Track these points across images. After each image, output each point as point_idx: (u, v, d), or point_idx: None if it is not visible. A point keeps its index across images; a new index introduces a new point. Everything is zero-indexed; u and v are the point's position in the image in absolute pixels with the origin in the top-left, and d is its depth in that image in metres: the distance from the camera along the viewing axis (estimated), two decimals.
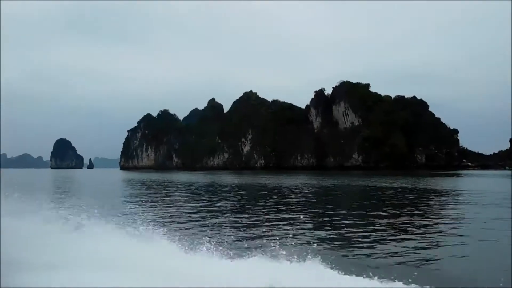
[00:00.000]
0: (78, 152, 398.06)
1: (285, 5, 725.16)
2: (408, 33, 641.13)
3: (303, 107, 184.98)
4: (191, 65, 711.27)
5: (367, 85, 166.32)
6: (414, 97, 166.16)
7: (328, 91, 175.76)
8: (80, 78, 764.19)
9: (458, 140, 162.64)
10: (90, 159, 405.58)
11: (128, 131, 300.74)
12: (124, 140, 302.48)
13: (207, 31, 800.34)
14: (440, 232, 13.81)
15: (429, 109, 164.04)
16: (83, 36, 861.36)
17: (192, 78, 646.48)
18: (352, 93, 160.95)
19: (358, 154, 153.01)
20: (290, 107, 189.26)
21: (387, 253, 10.46)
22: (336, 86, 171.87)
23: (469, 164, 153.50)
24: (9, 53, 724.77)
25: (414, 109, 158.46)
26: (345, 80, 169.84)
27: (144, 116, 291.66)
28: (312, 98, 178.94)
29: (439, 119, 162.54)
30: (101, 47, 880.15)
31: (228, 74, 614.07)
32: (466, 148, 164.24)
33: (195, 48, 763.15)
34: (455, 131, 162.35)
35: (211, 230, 13.60)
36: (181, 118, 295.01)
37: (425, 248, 11.12)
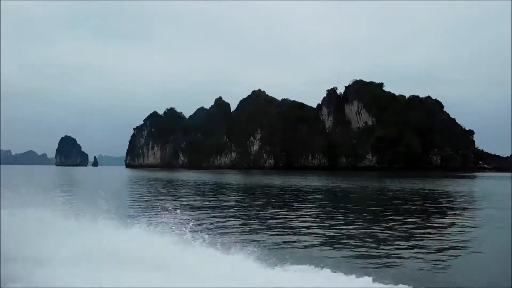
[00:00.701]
0: (83, 149, 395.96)
1: (291, 4, 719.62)
2: (415, 33, 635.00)
3: (314, 106, 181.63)
4: (196, 64, 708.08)
5: (381, 84, 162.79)
6: (429, 96, 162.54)
7: (340, 90, 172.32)
8: (85, 75, 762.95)
9: (473, 142, 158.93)
10: (95, 157, 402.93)
11: (134, 129, 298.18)
12: (130, 138, 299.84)
13: (212, 29, 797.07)
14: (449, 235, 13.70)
15: (444, 109, 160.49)
16: (88, 33, 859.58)
17: (198, 76, 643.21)
18: (365, 92, 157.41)
19: (372, 154, 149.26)
20: (301, 106, 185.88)
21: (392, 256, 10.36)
22: (348, 85, 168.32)
23: (485, 166, 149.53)
24: (14, 49, 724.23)
25: (428, 109, 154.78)
26: (358, 79, 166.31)
27: (150, 114, 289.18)
28: (324, 97, 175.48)
29: (454, 119, 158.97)
30: (107, 45, 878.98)
31: (234, 73, 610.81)
32: (482, 149, 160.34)
33: (199, 47, 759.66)
34: (471, 132, 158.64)
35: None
36: (187, 116, 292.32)
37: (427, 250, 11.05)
